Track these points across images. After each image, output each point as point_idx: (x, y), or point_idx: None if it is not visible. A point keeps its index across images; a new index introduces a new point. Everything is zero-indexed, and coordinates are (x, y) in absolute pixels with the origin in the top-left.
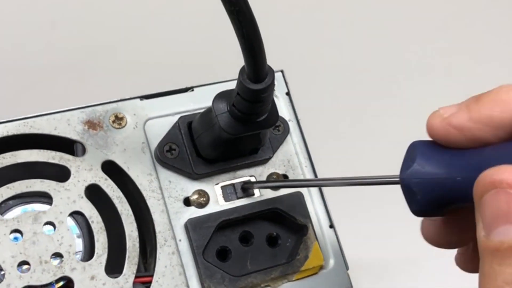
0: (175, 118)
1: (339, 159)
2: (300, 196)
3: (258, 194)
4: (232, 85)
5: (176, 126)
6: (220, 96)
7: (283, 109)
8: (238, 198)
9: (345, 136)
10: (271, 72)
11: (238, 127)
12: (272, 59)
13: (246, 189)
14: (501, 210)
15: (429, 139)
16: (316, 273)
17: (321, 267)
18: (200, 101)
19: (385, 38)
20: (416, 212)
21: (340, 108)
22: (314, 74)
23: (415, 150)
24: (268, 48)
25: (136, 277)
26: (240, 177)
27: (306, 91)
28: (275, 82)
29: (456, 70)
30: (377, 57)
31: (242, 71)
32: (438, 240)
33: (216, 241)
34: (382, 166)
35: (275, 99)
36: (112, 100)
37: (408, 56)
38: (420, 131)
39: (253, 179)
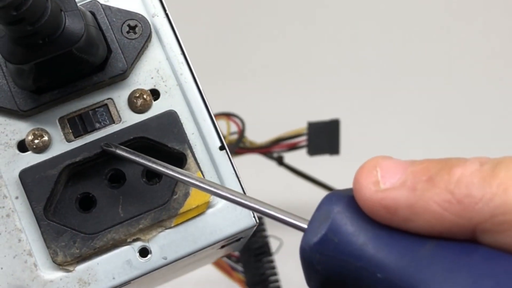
0: None
1: (335, 169)
2: (173, 115)
3: (119, 120)
4: None
5: None
6: None
7: (146, 1)
8: (90, 131)
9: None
10: None
11: (23, 53)
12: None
13: (107, 151)
14: None
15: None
16: (202, 213)
17: (209, 205)
18: None
19: (385, 38)
20: None
21: (340, 108)
22: (313, 74)
23: (331, 208)
24: (268, 46)
25: None
26: (92, 104)
27: (306, 91)
28: None
29: (456, 70)
30: (377, 57)
31: None
32: None
33: (75, 189)
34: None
35: None
36: None
37: (408, 55)
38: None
39: (110, 103)
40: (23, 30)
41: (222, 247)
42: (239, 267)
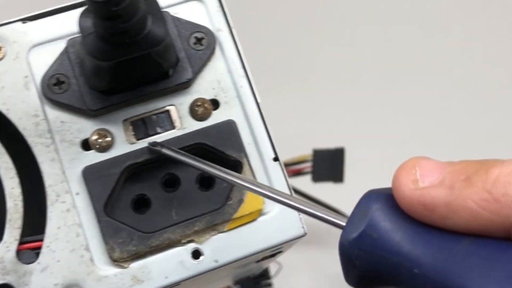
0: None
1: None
2: (232, 125)
3: (179, 126)
4: None
5: (64, 53)
6: (87, 12)
7: (212, 16)
8: (151, 135)
9: (345, 137)
10: None
11: (109, 51)
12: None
13: (152, 150)
14: None
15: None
16: (254, 220)
17: (261, 213)
18: None
19: (385, 38)
20: (354, 285)
21: (339, 108)
22: (314, 73)
23: (370, 205)
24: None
25: (21, 243)
26: (155, 109)
27: (306, 91)
28: None
29: (457, 70)
30: (377, 57)
31: None
32: None
33: (131, 190)
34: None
35: (200, 4)
36: None
37: (408, 55)
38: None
39: (173, 109)
40: (116, 27)
41: (262, 259)
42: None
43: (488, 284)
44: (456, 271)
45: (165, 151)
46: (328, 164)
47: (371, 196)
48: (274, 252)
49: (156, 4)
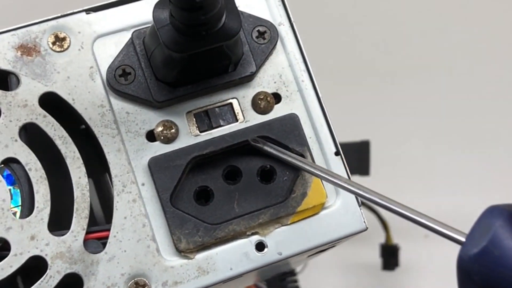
0: (131, 33)
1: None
2: (294, 118)
3: (242, 119)
4: None
5: (130, 44)
6: (162, 3)
7: (273, 11)
8: (214, 127)
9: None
10: None
11: (184, 42)
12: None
13: (254, 146)
14: None
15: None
16: (317, 214)
17: (323, 206)
18: None
19: (384, 37)
20: None
21: (338, 108)
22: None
23: (492, 221)
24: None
25: (88, 232)
26: (218, 102)
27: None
28: None
29: (457, 69)
30: (376, 57)
31: None
32: None
33: (194, 181)
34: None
35: None
36: (50, 17)
37: (408, 55)
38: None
39: (235, 102)
40: (196, 18)
41: (316, 253)
42: (263, 285)
43: None
44: None
45: (268, 148)
46: (354, 157)
47: (494, 212)
48: (330, 246)
49: None
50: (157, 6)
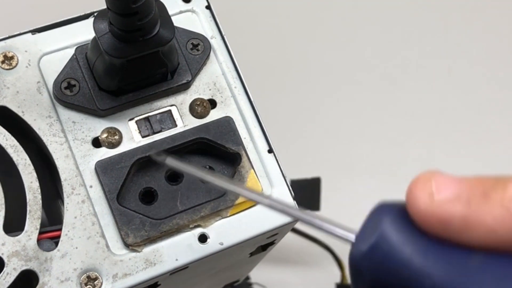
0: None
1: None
2: (229, 121)
3: (181, 124)
4: None
5: (73, 59)
6: (101, 15)
7: (204, 26)
8: (155, 132)
9: (344, 137)
10: None
11: (123, 48)
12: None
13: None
14: None
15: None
16: (254, 206)
17: None
18: None
19: (384, 38)
20: None
21: (339, 108)
22: (314, 73)
23: (381, 218)
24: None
25: (41, 232)
26: (158, 109)
27: (305, 90)
28: None
29: (456, 71)
30: (376, 57)
31: None
32: None
33: (139, 183)
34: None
35: (194, 14)
36: None
37: (407, 56)
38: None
39: (174, 109)
40: (132, 24)
41: (256, 250)
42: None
43: None
44: (468, 287)
45: (168, 162)
46: (305, 194)
47: (383, 209)
48: (268, 241)
49: (165, 8)
50: (96, 18)
